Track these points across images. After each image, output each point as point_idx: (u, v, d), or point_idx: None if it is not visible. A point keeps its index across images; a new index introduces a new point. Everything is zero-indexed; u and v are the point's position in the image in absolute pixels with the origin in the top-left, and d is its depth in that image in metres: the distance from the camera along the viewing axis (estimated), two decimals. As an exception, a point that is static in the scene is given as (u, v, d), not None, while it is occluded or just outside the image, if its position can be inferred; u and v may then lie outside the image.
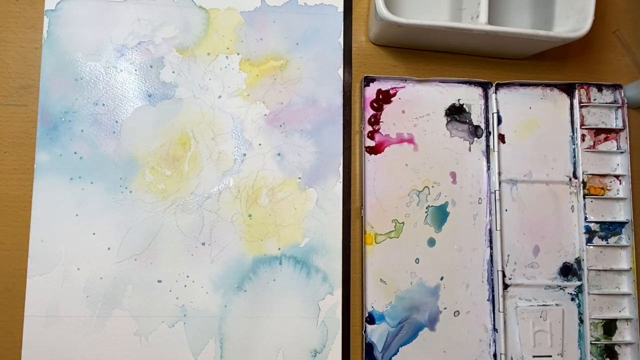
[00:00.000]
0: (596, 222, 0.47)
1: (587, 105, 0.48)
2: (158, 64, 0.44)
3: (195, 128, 0.44)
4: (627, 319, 0.46)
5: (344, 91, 0.46)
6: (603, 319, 0.46)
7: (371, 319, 0.44)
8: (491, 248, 0.46)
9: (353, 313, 0.44)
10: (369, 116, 0.46)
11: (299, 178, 0.45)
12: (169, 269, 0.43)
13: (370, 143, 0.46)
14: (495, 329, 0.45)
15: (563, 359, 0.45)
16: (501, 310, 0.45)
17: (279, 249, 0.44)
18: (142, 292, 0.42)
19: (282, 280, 0.44)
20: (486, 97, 0.47)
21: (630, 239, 0.47)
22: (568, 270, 0.46)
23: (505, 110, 0.47)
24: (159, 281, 0.43)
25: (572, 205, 0.47)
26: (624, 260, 0.47)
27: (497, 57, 0.48)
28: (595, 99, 0.48)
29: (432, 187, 0.46)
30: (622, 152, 0.47)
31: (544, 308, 0.45)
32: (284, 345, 0.43)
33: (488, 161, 0.47)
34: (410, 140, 0.46)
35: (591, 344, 0.45)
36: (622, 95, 0.48)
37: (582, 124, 0.47)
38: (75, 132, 0.43)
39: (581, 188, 0.47)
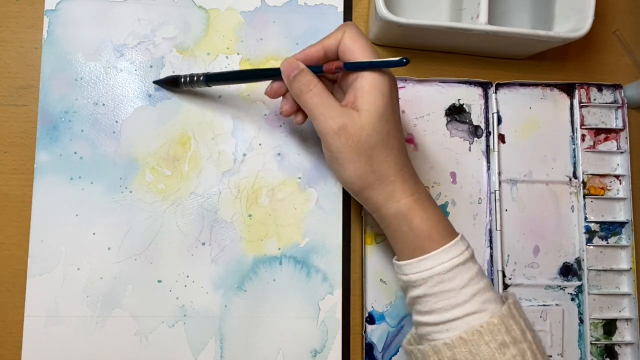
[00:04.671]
0: (596, 222, 0.47)
1: (587, 105, 0.48)
2: (158, 64, 0.44)
3: (195, 128, 0.44)
4: (627, 319, 0.46)
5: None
6: (603, 319, 0.46)
7: (371, 319, 0.44)
8: (491, 248, 0.46)
9: (353, 313, 0.44)
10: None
11: (299, 178, 0.45)
12: (169, 269, 0.43)
13: (370, 143, 0.46)
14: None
15: (563, 359, 0.45)
16: (501, 310, 0.45)
17: (279, 249, 0.44)
18: (142, 292, 0.42)
19: (282, 280, 0.44)
20: (486, 97, 0.47)
21: (630, 239, 0.47)
22: (568, 270, 0.46)
23: (505, 110, 0.47)
24: (159, 281, 0.43)
25: (572, 205, 0.47)
26: (624, 260, 0.47)
27: (497, 57, 0.48)
28: (595, 99, 0.48)
29: (432, 187, 0.46)
30: (622, 152, 0.47)
31: (544, 308, 0.46)
32: (284, 345, 0.43)
33: (488, 161, 0.47)
34: (410, 140, 0.46)
35: (591, 344, 0.45)
36: (622, 95, 0.48)
37: (582, 124, 0.47)
38: (75, 132, 0.43)
39: (581, 188, 0.47)
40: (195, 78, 0.41)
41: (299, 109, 0.39)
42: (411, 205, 0.35)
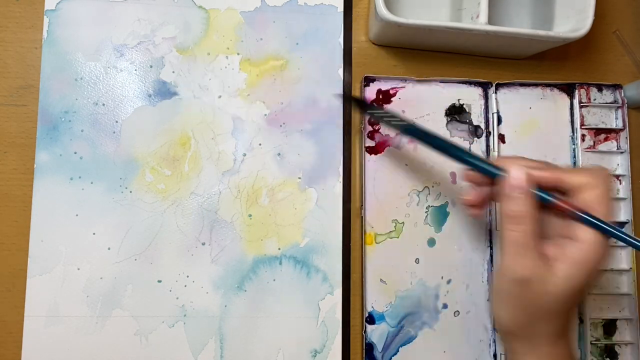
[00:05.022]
0: (596, 222, 0.47)
1: (587, 105, 0.48)
2: (158, 64, 0.44)
3: (195, 128, 0.44)
4: (627, 319, 0.46)
5: (344, 91, 0.46)
6: (603, 319, 0.46)
7: (371, 319, 0.44)
8: (491, 248, 0.46)
9: (353, 313, 0.44)
10: (369, 116, 0.46)
11: (299, 178, 0.45)
12: (169, 269, 0.43)
13: (370, 143, 0.46)
14: (495, 329, 0.45)
15: (563, 359, 0.45)
16: (501, 310, 0.45)
17: (279, 249, 0.44)
18: (142, 292, 0.42)
19: (282, 280, 0.44)
20: (486, 97, 0.47)
21: (630, 239, 0.46)
22: (568, 270, 0.46)
23: (505, 110, 0.47)
24: (159, 281, 0.43)
25: (572, 205, 0.47)
26: (624, 260, 0.47)
27: (497, 57, 0.48)
28: (595, 99, 0.48)
29: (432, 187, 0.46)
30: (622, 152, 0.47)
31: (544, 308, 0.45)
32: (284, 345, 0.43)
33: (488, 161, 0.47)
34: (411, 140, 0.46)
35: (591, 344, 0.45)
36: (622, 95, 0.48)
37: (582, 124, 0.47)
38: (75, 132, 0.43)
39: (581, 188, 0.47)
40: (392, 121, 0.38)
41: (482, 206, 0.36)
42: None
